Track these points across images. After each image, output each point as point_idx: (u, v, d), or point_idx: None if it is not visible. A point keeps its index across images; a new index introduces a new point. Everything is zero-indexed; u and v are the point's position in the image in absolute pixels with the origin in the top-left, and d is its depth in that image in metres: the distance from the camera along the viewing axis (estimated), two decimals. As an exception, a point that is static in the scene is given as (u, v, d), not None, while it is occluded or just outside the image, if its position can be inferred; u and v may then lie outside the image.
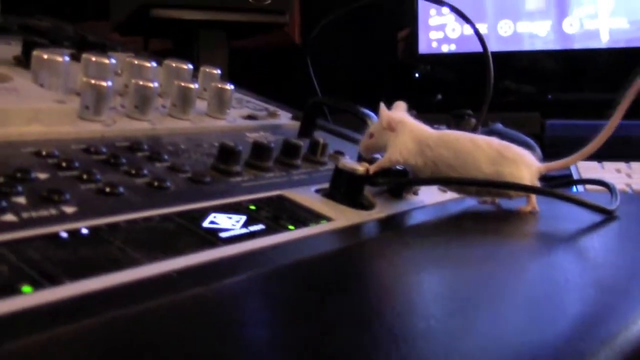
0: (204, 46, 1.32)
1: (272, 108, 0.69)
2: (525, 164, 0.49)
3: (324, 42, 1.56)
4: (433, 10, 1.42)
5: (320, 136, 0.61)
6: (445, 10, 1.42)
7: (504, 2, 1.40)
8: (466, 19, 0.82)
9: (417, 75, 1.46)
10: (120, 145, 0.47)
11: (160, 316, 0.27)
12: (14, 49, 0.69)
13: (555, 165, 0.53)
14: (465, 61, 1.41)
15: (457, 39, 1.41)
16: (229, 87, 0.60)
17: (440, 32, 1.42)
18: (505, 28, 1.38)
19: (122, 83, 0.59)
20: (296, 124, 0.66)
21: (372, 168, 0.48)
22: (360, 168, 0.47)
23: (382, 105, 0.50)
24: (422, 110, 1.44)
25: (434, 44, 1.43)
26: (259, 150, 0.49)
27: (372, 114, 0.61)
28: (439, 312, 0.31)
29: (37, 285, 0.27)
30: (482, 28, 1.39)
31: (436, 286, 0.36)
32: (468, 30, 1.43)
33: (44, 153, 0.40)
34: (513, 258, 0.42)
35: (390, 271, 0.37)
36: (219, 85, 0.60)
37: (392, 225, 0.46)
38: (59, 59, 0.53)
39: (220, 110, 0.60)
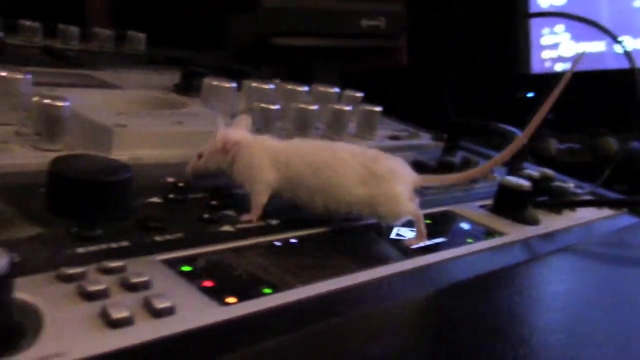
0: (318, 71, 1.36)
1: (412, 129, 0.71)
2: (398, 179, 0.39)
3: (431, 62, 1.57)
4: (546, 29, 1.40)
5: (464, 155, 0.62)
6: (558, 28, 1.40)
7: (622, 18, 1.36)
8: (612, 37, 0.81)
9: (528, 95, 1.45)
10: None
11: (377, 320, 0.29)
12: (169, 78, 0.75)
13: (434, 179, 0.46)
14: (580, 80, 1.38)
15: (572, 58, 1.39)
16: (377, 109, 0.63)
17: (553, 51, 1.40)
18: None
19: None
20: (437, 144, 0.68)
21: (252, 216, 0.38)
22: (524, 184, 0.48)
23: (220, 122, 0.41)
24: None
25: (547, 64, 1.41)
26: (420, 170, 0.51)
27: (517, 131, 0.62)
28: None
29: (275, 288, 0.30)
30: (601, 45, 1.36)
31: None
32: (583, 48, 1.40)
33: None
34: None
35: (577, 288, 0.38)
36: (368, 108, 0.62)
37: (559, 240, 0.46)
38: (227, 85, 0.57)
39: (369, 131, 0.63)
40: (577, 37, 1.40)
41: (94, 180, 0.32)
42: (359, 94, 0.70)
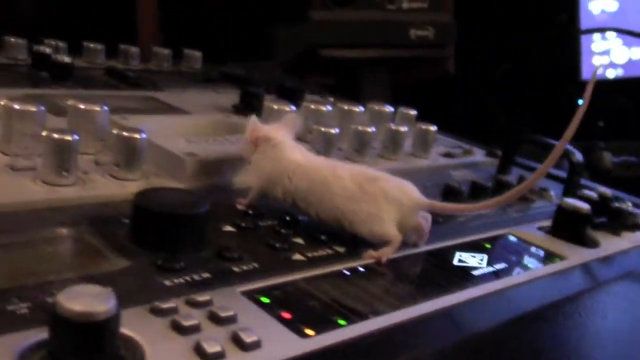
0: (367, 81, 1.38)
1: (466, 146, 0.72)
2: (391, 200, 0.40)
3: (478, 70, 1.57)
4: (597, 35, 1.39)
5: (520, 173, 0.63)
6: (609, 34, 1.39)
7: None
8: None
9: (579, 101, 1.43)
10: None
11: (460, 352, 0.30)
12: (226, 97, 0.77)
13: (446, 207, 0.44)
14: (634, 86, 1.37)
15: (625, 64, 1.37)
16: (432, 128, 0.64)
17: (605, 57, 1.38)
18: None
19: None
20: (492, 161, 0.68)
21: (245, 202, 0.43)
22: (584, 207, 0.48)
23: (254, 117, 0.44)
24: (584, 137, 1.41)
25: (599, 70, 1.39)
26: (477, 190, 0.52)
27: (575, 150, 0.62)
28: None
29: (348, 320, 0.31)
30: (652, 51, 1.34)
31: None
32: (635, 54, 1.38)
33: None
34: None
35: None
36: (423, 127, 0.64)
37: (619, 264, 0.47)
38: (287, 108, 0.59)
39: (424, 149, 0.64)
40: (628, 43, 1.38)
41: (177, 214, 0.35)
42: (413, 112, 0.71)
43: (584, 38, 1.38)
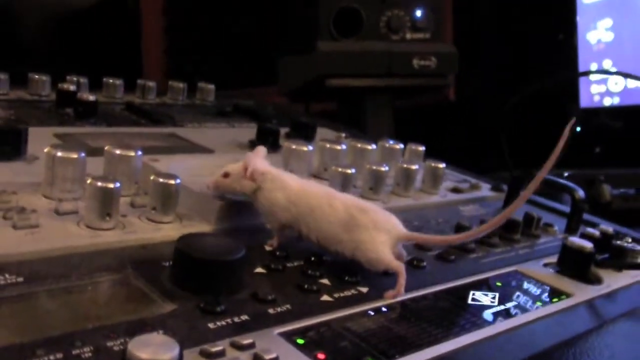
0: (371, 108, 1.42)
1: (472, 180, 0.75)
2: (380, 230, 0.43)
3: (479, 97, 1.61)
4: (594, 64, 1.43)
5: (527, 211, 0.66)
6: (606, 63, 1.43)
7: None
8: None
9: (578, 129, 1.47)
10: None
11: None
12: (241, 131, 0.81)
13: (430, 238, 0.48)
14: (630, 114, 1.41)
15: (621, 92, 1.41)
16: (442, 165, 0.67)
17: (602, 86, 1.42)
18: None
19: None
20: (498, 195, 0.72)
21: (273, 243, 0.47)
22: (587, 246, 0.51)
23: (249, 153, 0.49)
24: (582, 164, 1.44)
25: (596, 98, 1.43)
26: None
27: (576, 187, 0.66)
28: None
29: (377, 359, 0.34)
30: (648, 81, 1.38)
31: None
32: (632, 83, 1.42)
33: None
34: None
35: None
36: (433, 164, 0.67)
37: (623, 300, 0.50)
38: (305, 149, 0.62)
39: (434, 185, 0.67)
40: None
41: (218, 261, 0.38)
42: (421, 148, 0.75)
43: (582, 66, 1.42)
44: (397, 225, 0.45)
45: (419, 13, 1.34)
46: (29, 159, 0.56)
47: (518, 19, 1.53)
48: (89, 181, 0.43)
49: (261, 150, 0.50)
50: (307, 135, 0.82)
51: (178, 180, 0.46)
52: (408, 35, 1.34)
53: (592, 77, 1.43)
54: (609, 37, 1.41)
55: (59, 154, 0.47)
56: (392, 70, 1.31)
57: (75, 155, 0.47)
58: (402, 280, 0.43)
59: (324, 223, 0.45)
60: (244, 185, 0.47)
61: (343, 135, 0.85)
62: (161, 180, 0.46)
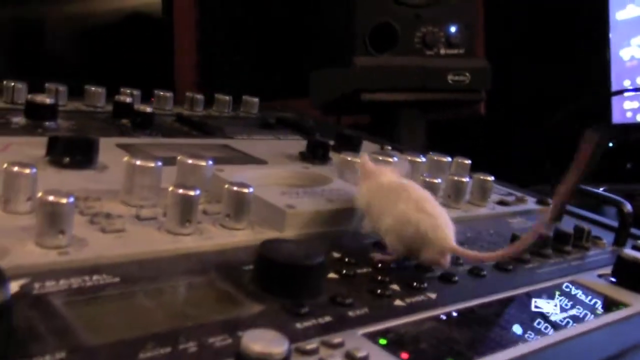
0: (404, 122, 1.44)
1: (517, 193, 0.76)
2: (418, 233, 0.46)
3: (509, 112, 1.62)
4: (627, 81, 1.44)
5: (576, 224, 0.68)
6: None
7: None
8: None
9: (610, 144, 1.48)
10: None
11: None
12: (290, 144, 0.83)
13: (470, 254, 0.48)
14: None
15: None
16: (490, 178, 0.69)
17: (635, 102, 1.43)
18: None
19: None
20: (543, 208, 0.73)
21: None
22: (643, 257, 0.53)
23: (366, 155, 0.54)
24: (613, 180, 1.45)
25: (629, 114, 1.44)
26: (542, 241, 0.57)
27: (624, 200, 0.67)
28: None
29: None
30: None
31: None
32: (664, 99, 1.43)
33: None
34: None
35: None
36: (482, 177, 0.69)
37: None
38: (358, 160, 0.64)
39: (482, 198, 0.69)
40: (658, 89, 1.43)
41: (302, 265, 0.40)
42: (467, 161, 0.76)
43: (615, 83, 1.43)
44: (441, 236, 0.46)
45: (453, 29, 1.36)
46: (99, 167, 0.59)
47: (550, 35, 1.54)
48: (170, 189, 0.45)
49: (400, 164, 0.55)
50: (353, 147, 0.85)
51: (251, 189, 0.49)
52: (442, 51, 1.36)
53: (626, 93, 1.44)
54: (642, 53, 1.42)
55: (138, 162, 0.49)
56: (426, 85, 1.33)
57: (152, 164, 0.49)
58: (390, 257, 0.48)
59: (386, 209, 0.48)
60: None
61: (389, 147, 0.87)
62: (235, 188, 0.48)
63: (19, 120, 0.70)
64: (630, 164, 1.51)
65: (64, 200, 0.39)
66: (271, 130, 0.93)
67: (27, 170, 0.44)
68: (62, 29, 1.38)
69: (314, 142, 0.76)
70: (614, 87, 1.44)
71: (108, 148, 0.66)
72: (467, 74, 1.35)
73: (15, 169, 0.44)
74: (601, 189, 1.18)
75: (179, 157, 0.53)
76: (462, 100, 1.41)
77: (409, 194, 0.48)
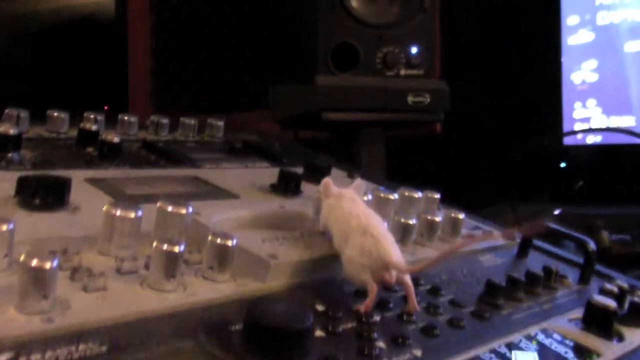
0: (364, 140, 1.45)
1: (484, 227, 0.78)
2: (364, 253, 0.49)
3: (463, 130, 1.65)
4: (578, 103, 1.49)
5: (538, 259, 0.69)
6: (590, 103, 1.49)
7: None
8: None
9: (562, 165, 1.53)
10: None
11: None
12: (260, 173, 0.83)
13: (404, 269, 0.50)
14: (610, 152, 1.47)
15: (603, 132, 1.47)
16: (461, 216, 0.70)
17: (585, 124, 1.48)
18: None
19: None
20: (509, 243, 0.75)
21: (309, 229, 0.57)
22: (611, 305, 0.55)
23: (328, 179, 0.58)
24: (565, 198, 1.49)
25: (579, 136, 1.49)
26: (515, 285, 0.58)
27: (587, 239, 0.69)
28: None
29: None
30: (630, 120, 1.44)
31: None
32: (613, 122, 1.49)
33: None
34: None
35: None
36: (453, 215, 0.70)
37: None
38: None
39: (453, 234, 0.70)
40: (608, 112, 1.48)
41: (293, 329, 0.39)
42: (436, 195, 0.77)
43: (565, 105, 1.48)
44: (383, 252, 0.49)
45: (414, 50, 1.37)
46: (71, 208, 0.57)
47: (503, 56, 1.58)
48: (154, 244, 0.44)
49: (359, 184, 0.59)
50: (322, 177, 0.85)
51: (234, 241, 0.48)
52: (402, 72, 1.37)
53: (576, 115, 1.49)
54: (593, 77, 1.47)
55: (118, 212, 0.48)
56: (387, 105, 1.34)
57: (133, 215, 0.48)
58: (369, 301, 0.48)
59: (337, 228, 0.52)
60: (318, 205, 0.58)
61: (356, 176, 0.88)
62: (219, 241, 0.47)
63: (-22, 153, 0.67)
64: (580, 182, 1.56)
65: (47, 265, 0.38)
66: (238, 156, 0.92)
67: (5, 227, 0.42)
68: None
69: (285, 175, 0.76)
70: (565, 110, 1.49)
71: (77, 183, 0.63)
72: (427, 95, 1.37)
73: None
74: (556, 211, 1.22)
75: (158, 204, 0.52)
76: (421, 121, 1.43)
77: (359, 221, 0.51)
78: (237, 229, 0.56)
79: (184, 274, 0.48)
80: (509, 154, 1.46)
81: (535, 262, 0.70)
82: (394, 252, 0.49)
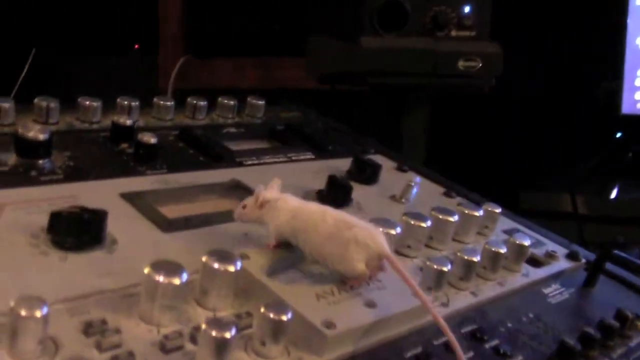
0: (409, 104, 1.38)
1: (548, 244, 0.72)
2: (360, 245, 0.48)
3: (518, 89, 1.55)
4: (640, 70, 1.38)
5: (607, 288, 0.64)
6: (653, 70, 1.38)
7: None
8: None
9: (618, 135, 1.43)
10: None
11: None
12: (304, 169, 0.77)
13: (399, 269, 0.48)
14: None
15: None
16: (526, 242, 0.64)
17: (646, 93, 1.38)
18: None
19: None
20: (575, 266, 0.69)
21: (269, 244, 0.53)
22: None
23: (260, 186, 0.53)
24: (617, 170, 1.42)
25: (639, 105, 1.39)
26: (589, 344, 0.53)
27: None
28: None
29: None
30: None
31: None
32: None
33: None
34: None
35: None
36: (518, 242, 0.64)
37: None
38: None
39: (517, 262, 0.64)
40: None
41: None
42: (497, 210, 0.71)
43: (628, 73, 1.37)
44: (378, 243, 0.49)
45: (466, 9, 1.27)
46: (108, 244, 0.52)
47: (560, 17, 1.47)
48: (203, 327, 0.40)
49: (275, 183, 0.55)
50: (371, 175, 0.79)
51: (290, 315, 0.43)
52: (453, 33, 1.28)
53: (638, 82, 1.39)
54: (659, 43, 1.36)
55: (162, 279, 0.43)
56: (436, 71, 1.25)
57: (178, 282, 0.43)
58: (358, 281, 0.50)
59: (314, 236, 0.49)
60: (256, 214, 0.53)
61: (405, 168, 0.84)
62: (272, 316, 0.43)
63: (7, 158, 0.62)
64: (630, 154, 1.48)
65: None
66: (280, 142, 0.87)
67: (38, 314, 0.38)
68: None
69: (335, 184, 0.70)
70: (627, 75, 1.38)
71: (112, 200, 0.59)
72: (479, 60, 1.28)
73: (23, 312, 0.37)
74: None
75: (204, 259, 0.46)
76: (471, 86, 1.34)
77: (329, 216, 0.50)
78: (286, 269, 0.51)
79: (235, 349, 0.43)
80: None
81: (605, 295, 0.65)
82: (385, 242, 0.49)
